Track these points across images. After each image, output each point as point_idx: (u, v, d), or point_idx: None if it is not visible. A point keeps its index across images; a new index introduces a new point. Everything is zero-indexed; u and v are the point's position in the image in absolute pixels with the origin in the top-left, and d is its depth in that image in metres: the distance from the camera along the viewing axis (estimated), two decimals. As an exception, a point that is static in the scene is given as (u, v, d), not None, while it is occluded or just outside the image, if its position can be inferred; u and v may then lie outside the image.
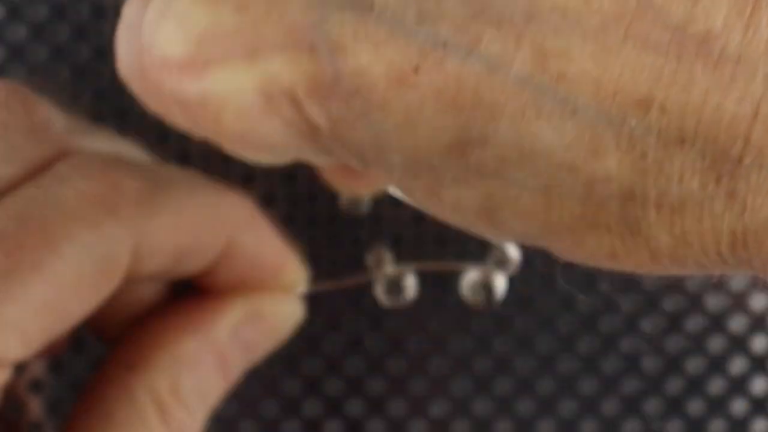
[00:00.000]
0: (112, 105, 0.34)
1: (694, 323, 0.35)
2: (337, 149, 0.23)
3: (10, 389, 0.28)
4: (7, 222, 0.26)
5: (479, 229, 0.23)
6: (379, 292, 0.34)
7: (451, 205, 0.23)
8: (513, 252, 0.34)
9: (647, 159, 0.21)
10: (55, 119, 0.28)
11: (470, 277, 0.34)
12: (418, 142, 0.22)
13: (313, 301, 0.34)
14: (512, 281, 0.35)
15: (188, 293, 0.32)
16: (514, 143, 0.21)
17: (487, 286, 0.34)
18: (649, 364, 0.35)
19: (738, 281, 0.35)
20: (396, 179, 0.23)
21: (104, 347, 0.32)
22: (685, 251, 0.22)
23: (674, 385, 0.36)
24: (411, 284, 0.34)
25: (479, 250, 0.34)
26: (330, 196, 0.34)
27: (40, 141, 0.28)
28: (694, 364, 0.35)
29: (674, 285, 0.35)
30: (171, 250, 0.29)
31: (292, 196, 0.35)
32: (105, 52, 0.34)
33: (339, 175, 0.30)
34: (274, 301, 0.32)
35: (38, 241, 0.26)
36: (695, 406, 0.36)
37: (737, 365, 0.36)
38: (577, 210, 0.22)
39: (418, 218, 0.35)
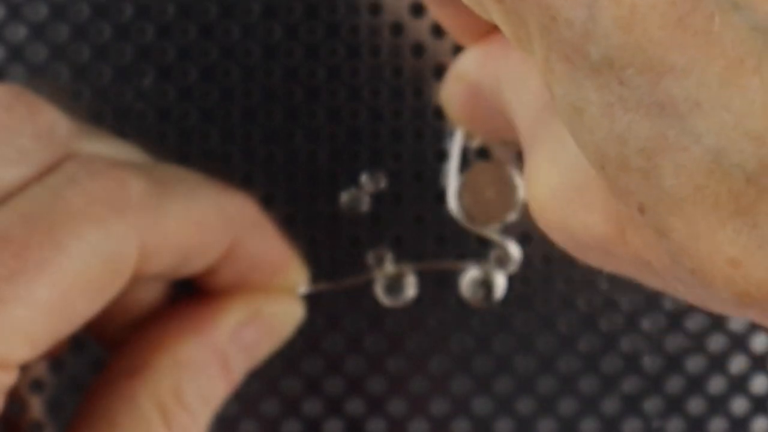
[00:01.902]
0: (112, 105, 0.34)
1: (694, 322, 0.35)
2: None
3: (13, 389, 0.28)
4: (13, 222, 0.26)
5: (619, 169, 0.21)
6: (379, 292, 0.34)
7: (618, 130, 0.20)
8: (513, 251, 0.34)
9: None
10: (59, 122, 0.28)
11: (470, 276, 0.34)
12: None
13: (313, 301, 0.34)
14: (512, 280, 0.35)
15: (189, 293, 0.32)
16: (714, 89, 0.19)
17: (487, 286, 0.34)
18: (649, 363, 0.35)
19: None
20: (578, 82, 0.20)
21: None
22: None
23: (674, 384, 0.36)
24: (411, 284, 0.34)
25: (479, 249, 0.34)
26: (330, 196, 0.35)
27: (46, 144, 0.28)
28: (694, 363, 0.35)
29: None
30: (177, 249, 0.29)
31: (292, 196, 0.35)
32: (105, 52, 0.34)
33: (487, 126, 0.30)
34: (275, 301, 0.32)
35: (45, 241, 0.26)
36: (695, 405, 0.36)
37: (737, 364, 0.36)
38: (738, 188, 0.20)
39: (418, 218, 0.35)
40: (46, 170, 0.28)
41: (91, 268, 0.27)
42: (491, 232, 0.34)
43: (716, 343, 0.35)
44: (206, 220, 0.29)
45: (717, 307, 0.22)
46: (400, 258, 0.34)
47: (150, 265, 0.28)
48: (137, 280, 0.29)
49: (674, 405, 0.36)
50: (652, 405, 0.36)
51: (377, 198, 0.35)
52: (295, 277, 0.33)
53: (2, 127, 0.28)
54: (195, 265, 0.30)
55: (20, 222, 0.26)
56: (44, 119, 0.28)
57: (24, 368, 0.28)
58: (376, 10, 0.34)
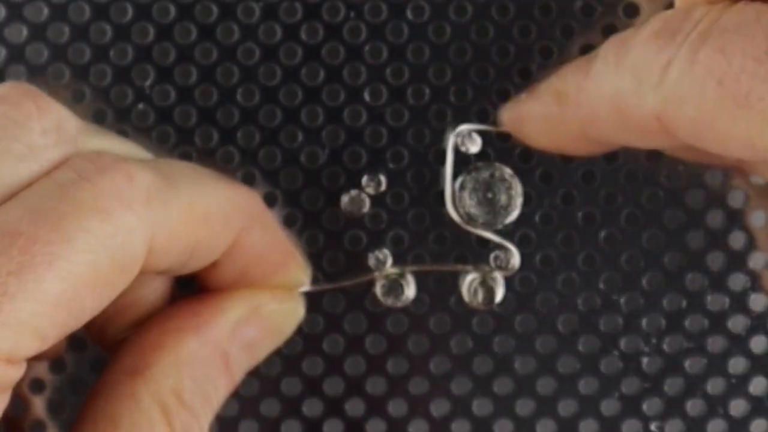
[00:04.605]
0: (112, 105, 0.34)
1: (693, 323, 0.35)
2: None
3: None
4: (22, 217, 0.26)
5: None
6: (379, 292, 0.34)
7: None
8: (513, 252, 0.34)
9: None
10: (67, 119, 0.28)
11: (470, 277, 0.34)
12: None
13: (313, 301, 0.34)
14: (512, 281, 0.35)
15: (189, 290, 0.32)
16: None
17: (486, 287, 0.34)
18: (649, 363, 0.35)
19: (737, 282, 0.35)
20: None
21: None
22: None
23: (674, 385, 0.36)
24: (411, 284, 0.34)
25: (479, 250, 0.34)
26: (330, 197, 0.35)
27: (55, 140, 0.28)
28: (693, 364, 0.36)
29: (674, 284, 0.35)
30: (185, 242, 0.29)
31: (292, 196, 0.35)
32: (106, 53, 0.34)
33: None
34: (276, 298, 0.32)
35: (53, 236, 0.26)
36: (695, 406, 0.36)
37: (737, 365, 0.36)
38: None
39: (418, 218, 0.35)
40: (54, 166, 0.28)
41: (99, 263, 0.27)
42: (491, 233, 0.34)
43: (715, 344, 0.36)
44: (213, 213, 0.29)
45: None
46: (400, 259, 0.34)
47: (158, 259, 0.28)
48: (144, 275, 0.29)
49: (673, 405, 0.36)
50: (651, 406, 0.36)
51: (378, 199, 0.35)
52: (297, 274, 0.33)
53: (11, 123, 0.28)
54: (200, 260, 0.30)
55: (28, 216, 0.26)
56: (52, 115, 0.28)
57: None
58: (377, 10, 0.34)
